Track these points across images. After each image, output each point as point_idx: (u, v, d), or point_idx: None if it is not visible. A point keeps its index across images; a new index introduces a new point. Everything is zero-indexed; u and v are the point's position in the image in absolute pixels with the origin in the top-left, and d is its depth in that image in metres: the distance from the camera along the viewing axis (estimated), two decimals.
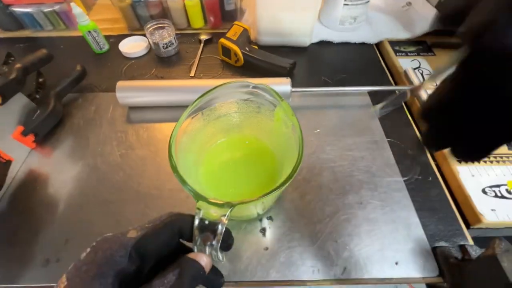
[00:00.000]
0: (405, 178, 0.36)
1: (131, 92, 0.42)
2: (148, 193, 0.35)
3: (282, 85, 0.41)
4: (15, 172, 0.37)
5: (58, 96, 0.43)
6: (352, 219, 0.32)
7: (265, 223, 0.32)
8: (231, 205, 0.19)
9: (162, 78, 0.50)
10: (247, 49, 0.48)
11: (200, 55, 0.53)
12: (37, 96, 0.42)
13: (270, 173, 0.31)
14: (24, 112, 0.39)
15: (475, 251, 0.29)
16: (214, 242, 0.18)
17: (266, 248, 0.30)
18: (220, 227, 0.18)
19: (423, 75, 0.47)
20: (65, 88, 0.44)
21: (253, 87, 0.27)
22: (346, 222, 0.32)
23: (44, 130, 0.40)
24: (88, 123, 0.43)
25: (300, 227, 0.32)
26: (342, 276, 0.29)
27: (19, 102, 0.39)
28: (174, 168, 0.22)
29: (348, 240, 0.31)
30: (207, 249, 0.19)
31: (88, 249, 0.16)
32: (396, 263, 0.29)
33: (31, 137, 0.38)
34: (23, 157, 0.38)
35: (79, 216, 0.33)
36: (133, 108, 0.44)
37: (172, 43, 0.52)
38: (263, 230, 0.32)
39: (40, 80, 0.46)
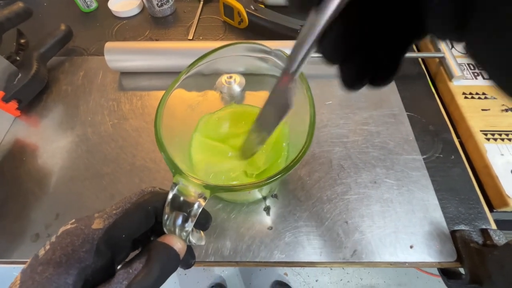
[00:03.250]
0: (424, 156, 0.32)
1: (122, 54, 0.38)
2: (144, 166, 0.32)
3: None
4: None
5: (41, 58, 0.38)
6: (364, 199, 0.30)
7: (270, 201, 0.30)
8: (211, 188, 0.16)
9: (157, 40, 0.44)
10: (252, 7, 0.43)
11: (200, 15, 0.47)
12: (18, 58, 0.37)
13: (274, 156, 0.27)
14: (4, 76, 0.35)
15: (498, 236, 0.27)
16: (186, 225, 0.16)
17: (270, 228, 0.28)
18: (196, 207, 0.16)
19: (452, 42, 0.41)
20: (49, 50, 0.39)
21: (266, 53, 0.22)
22: (358, 202, 0.29)
23: (28, 96, 0.37)
24: (76, 89, 0.39)
25: (307, 206, 0.29)
26: (351, 258, 0.27)
27: None
28: (157, 133, 0.18)
29: (360, 221, 0.28)
30: (177, 231, 0.16)
31: (48, 246, 0.13)
32: (411, 247, 0.27)
33: (13, 104, 0.35)
34: (7, 126, 0.35)
35: (70, 189, 0.31)
36: (125, 73, 0.40)
37: (168, 1, 0.46)
38: (267, 209, 0.29)
39: (22, 41, 0.41)
